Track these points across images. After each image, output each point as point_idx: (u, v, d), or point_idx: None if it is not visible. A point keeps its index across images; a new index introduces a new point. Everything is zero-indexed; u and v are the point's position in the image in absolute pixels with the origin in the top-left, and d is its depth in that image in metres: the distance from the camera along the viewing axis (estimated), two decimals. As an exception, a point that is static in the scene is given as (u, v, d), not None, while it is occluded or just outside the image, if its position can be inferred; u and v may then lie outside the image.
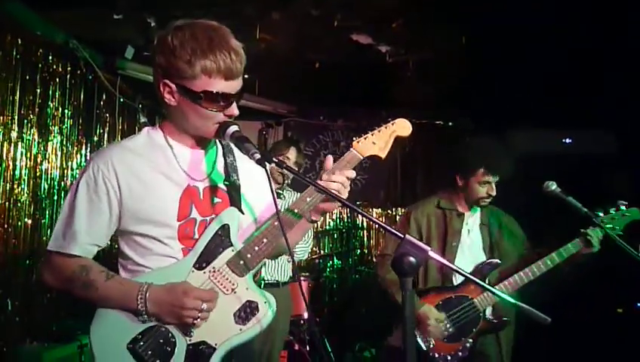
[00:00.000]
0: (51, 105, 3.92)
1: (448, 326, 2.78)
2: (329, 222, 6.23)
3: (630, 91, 4.51)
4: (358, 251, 6.08)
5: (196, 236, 1.70)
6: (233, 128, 1.63)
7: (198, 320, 1.62)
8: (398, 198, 6.23)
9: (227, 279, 1.68)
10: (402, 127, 1.81)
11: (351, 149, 1.77)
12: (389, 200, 6.22)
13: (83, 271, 1.65)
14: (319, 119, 6.26)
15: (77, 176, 1.77)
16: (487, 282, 2.81)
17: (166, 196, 1.67)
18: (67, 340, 3.36)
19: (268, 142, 6.22)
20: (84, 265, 1.66)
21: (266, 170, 1.56)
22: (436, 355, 2.72)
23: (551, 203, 2.82)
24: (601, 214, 2.72)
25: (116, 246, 1.77)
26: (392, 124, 1.81)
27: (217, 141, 1.82)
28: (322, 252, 5.94)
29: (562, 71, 4.48)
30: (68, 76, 4.11)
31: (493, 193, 2.89)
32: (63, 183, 4.03)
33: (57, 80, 3.98)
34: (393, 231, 1.63)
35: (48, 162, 3.89)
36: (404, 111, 6.01)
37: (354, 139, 1.79)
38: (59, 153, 4.00)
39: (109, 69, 4.54)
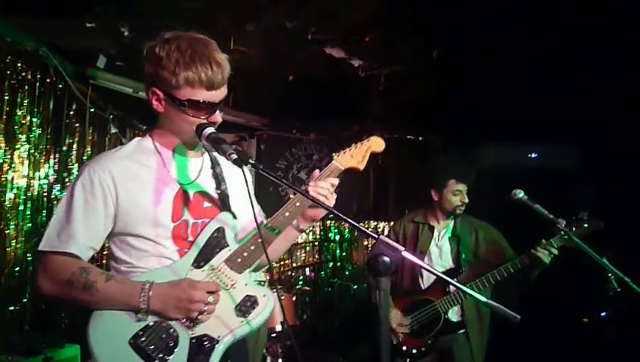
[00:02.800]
0: (19, 113, 3.83)
1: (414, 324, 3.21)
2: (302, 235, 6.22)
3: (594, 106, 4.68)
4: (331, 264, 6.08)
5: (190, 238, 1.77)
6: (209, 130, 1.71)
7: (205, 314, 1.66)
8: (371, 211, 6.28)
9: (226, 276, 1.75)
10: (376, 143, 2.03)
11: (332, 161, 1.97)
12: (361, 213, 6.26)
13: (83, 272, 1.66)
14: (292, 132, 6.29)
15: (60, 184, 1.78)
16: (450, 287, 3.19)
17: (160, 197, 1.74)
18: (31, 354, 3.25)
19: (241, 155, 6.20)
20: (84, 267, 1.68)
21: (243, 171, 1.63)
22: (404, 348, 3.20)
23: (518, 215, 2.96)
24: (563, 224, 2.88)
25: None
26: (368, 140, 2.03)
27: (206, 152, 1.92)
28: (294, 264, 5.92)
29: (529, 86, 4.63)
30: (37, 84, 4.02)
31: (466, 200, 3.29)
32: (29, 193, 3.93)
33: (26, 87, 3.89)
34: (368, 232, 1.72)
35: (14, 171, 3.79)
36: (376, 126, 6.20)
37: (334, 153, 1.99)
38: (26, 162, 3.90)
39: (80, 79, 4.48)
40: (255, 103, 5.62)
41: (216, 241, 1.78)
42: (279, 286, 4.75)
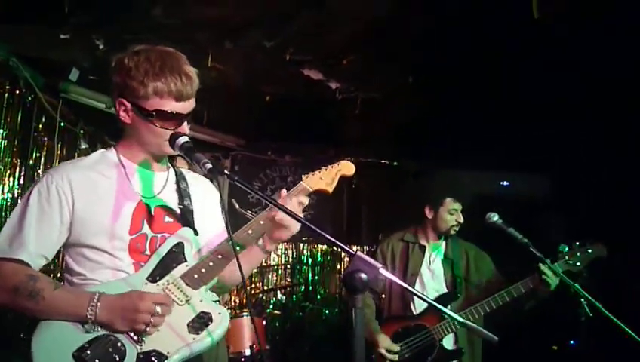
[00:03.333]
0: (-15, 124, 3.71)
1: (405, 352, 2.97)
2: (273, 258, 6.14)
3: (564, 136, 4.79)
4: (303, 287, 5.99)
5: (147, 251, 1.73)
6: (183, 139, 1.69)
7: (151, 326, 1.60)
8: (344, 234, 6.25)
9: (181, 291, 1.71)
10: (347, 167, 2.00)
11: (301, 182, 1.92)
12: (334, 236, 6.20)
13: (30, 279, 1.60)
14: (267, 154, 6.26)
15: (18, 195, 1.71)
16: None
17: (119, 209, 1.70)
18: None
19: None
20: (32, 275, 1.62)
21: (217, 181, 1.59)
22: None
23: (494, 240, 2.94)
24: (565, 249, 2.86)
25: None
26: (338, 164, 1.99)
27: (171, 167, 1.90)
28: (266, 287, 5.81)
29: (501, 114, 4.71)
30: (5, 95, 3.91)
31: (461, 220, 3.14)
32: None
33: (-6, 98, 3.79)
34: (345, 248, 1.68)
35: (-23, 183, 3.65)
36: (351, 149, 6.20)
37: (303, 175, 1.96)
38: (-11, 174, 3.77)
39: (50, 91, 4.38)
40: (231, 123, 5.58)
41: (174, 256, 1.74)
42: (250, 310, 4.66)
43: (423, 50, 3.87)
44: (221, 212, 1.59)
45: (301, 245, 6.15)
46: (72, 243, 1.69)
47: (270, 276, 6.00)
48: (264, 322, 4.60)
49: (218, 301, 3.68)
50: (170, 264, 1.72)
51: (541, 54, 3.80)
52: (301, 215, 1.82)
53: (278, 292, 5.84)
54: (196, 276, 1.72)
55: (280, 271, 6.05)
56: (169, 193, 1.83)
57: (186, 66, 1.72)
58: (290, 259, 6.08)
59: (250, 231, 1.80)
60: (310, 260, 6.21)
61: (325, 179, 1.96)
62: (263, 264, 6.01)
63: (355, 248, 5.98)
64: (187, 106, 1.73)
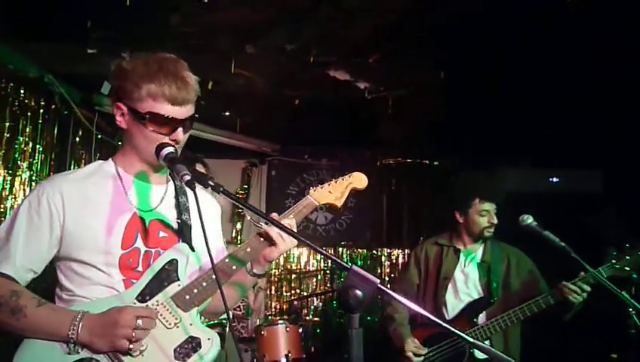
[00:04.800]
0: (21, 140, 3.83)
1: (434, 358, 2.92)
2: (312, 263, 6.05)
3: (617, 131, 4.47)
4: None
5: (139, 267, 1.66)
6: (168, 150, 1.62)
7: (134, 340, 1.52)
8: (384, 238, 6.09)
9: (171, 313, 1.62)
10: (358, 179, 1.92)
11: (307, 196, 1.86)
12: (374, 240, 6.07)
13: (13, 295, 1.55)
14: (304, 158, 6.20)
15: None
16: (479, 318, 2.92)
17: (112, 222, 1.64)
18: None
19: (252, 181, 6.14)
20: (15, 290, 1.57)
21: (194, 192, 1.51)
22: None
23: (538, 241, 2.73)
24: (614, 253, 2.68)
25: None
26: (349, 176, 1.92)
27: (171, 180, 1.83)
28: (305, 293, 5.73)
29: (549, 108, 4.45)
30: (41, 111, 4.04)
31: (494, 221, 2.99)
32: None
33: (29, 114, 3.91)
34: (339, 261, 1.59)
35: (14, 198, 3.77)
36: (388, 151, 6.03)
37: (311, 187, 1.90)
38: (27, 189, 3.88)
39: (86, 105, 4.49)
40: (264, 128, 5.56)
41: (166, 274, 1.65)
42: (285, 317, 4.59)
43: (453, 42, 3.67)
44: (201, 226, 1.48)
45: (340, 249, 6.04)
46: (61, 257, 1.64)
47: (309, 282, 5.92)
48: (300, 330, 4.52)
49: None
50: (162, 283, 1.64)
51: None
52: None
53: (315, 298, 5.75)
54: (187, 297, 1.64)
55: (319, 277, 5.96)
56: (167, 207, 1.76)
57: (184, 71, 1.67)
58: (330, 265, 5.97)
59: (248, 249, 1.72)
60: (350, 265, 6.07)
61: (334, 192, 1.88)
62: (303, 269, 5.95)
63: (396, 251, 5.80)
64: (183, 112, 1.66)
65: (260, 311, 5.03)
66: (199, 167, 3.65)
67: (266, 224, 1.72)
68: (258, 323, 4.55)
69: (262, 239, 1.73)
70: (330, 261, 5.90)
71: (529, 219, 2.63)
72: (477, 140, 5.06)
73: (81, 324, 1.52)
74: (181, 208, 1.77)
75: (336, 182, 1.90)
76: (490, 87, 4.27)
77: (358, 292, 1.40)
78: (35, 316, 1.54)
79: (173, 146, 1.62)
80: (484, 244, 3.10)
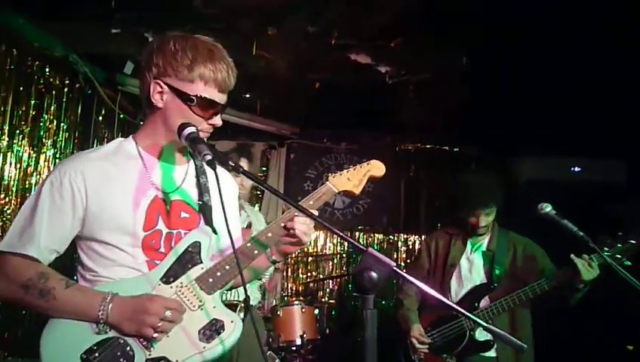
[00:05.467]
0: (46, 118, 3.91)
1: (437, 340, 3.09)
2: (329, 246, 6.09)
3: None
4: (356, 278, 5.89)
5: (162, 249, 1.66)
6: (191, 129, 1.61)
7: (159, 330, 1.54)
8: (401, 223, 6.08)
9: (194, 295, 1.63)
10: (376, 167, 1.92)
11: (326, 183, 1.87)
12: (391, 226, 6.07)
13: (41, 277, 1.56)
14: (322, 141, 6.19)
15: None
16: (481, 303, 3.03)
17: (134, 204, 1.63)
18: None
19: (270, 164, 6.16)
20: (43, 272, 1.58)
21: (215, 173, 1.51)
22: None
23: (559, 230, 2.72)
24: (608, 241, 2.72)
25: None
26: (367, 164, 1.92)
27: (191, 161, 1.82)
28: (321, 276, 5.78)
29: (572, 96, 4.37)
30: (65, 90, 4.10)
31: (483, 223, 3.13)
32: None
33: (53, 93, 3.98)
34: (355, 243, 1.60)
35: (39, 174, 3.85)
36: (408, 136, 5.98)
37: (329, 174, 1.92)
38: (51, 166, 3.97)
39: (109, 85, 4.55)
40: (284, 111, 5.56)
41: (190, 257, 1.66)
42: (300, 299, 4.64)
43: (477, 26, 3.62)
44: (222, 207, 1.48)
45: (357, 234, 6.05)
46: (84, 237, 1.64)
47: (325, 265, 5.96)
48: (316, 311, 4.57)
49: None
50: (186, 265, 1.65)
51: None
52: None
53: (331, 281, 5.79)
54: (211, 280, 1.64)
55: (336, 260, 5.99)
56: (188, 187, 1.75)
57: (229, 59, 1.69)
58: (346, 248, 6.00)
59: (269, 234, 1.72)
60: (366, 247, 6.09)
61: (353, 180, 1.88)
62: (319, 252, 5.99)
63: (413, 237, 5.82)
64: (224, 99, 1.70)
65: (275, 292, 5.09)
66: (243, 162, 3.67)
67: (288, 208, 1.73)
68: (274, 303, 4.61)
69: (282, 224, 1.72)
70: (346, 244, 5.96)
71: (548, 208, 2.60)
72: (498, 128, 5.00)
73: (110, 305, 1.53)
74: (202, 189, 1.76)
75: (354, 169, 1.90)
76: (514, 74, 4.21)
77: (373, 274, 1.41)
78: (64, 297, 1.55)
79: (195, 127, 1.62)
80: (491, 233, 3.22)
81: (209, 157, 1.49)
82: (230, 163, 1.53)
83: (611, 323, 4.51)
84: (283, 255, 1.82)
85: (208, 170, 1.78)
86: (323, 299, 5.44)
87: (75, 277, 1.68)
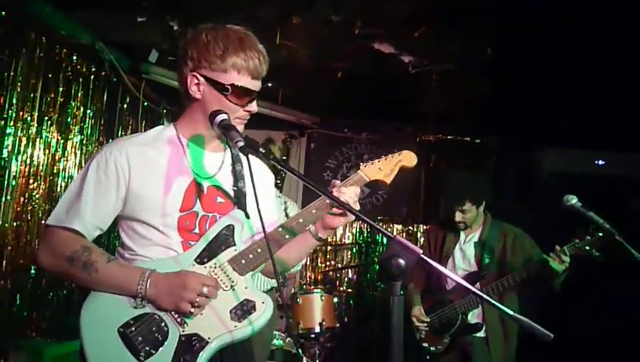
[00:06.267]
0: (73, 105, 3.98)
1: (435, 321, 3.35)
2: (348, 236, 6.11)
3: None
4: (377, 267, 5.92)
5: (197, 230, 1.73)
6: (222, 116, 1.67)
7: (196, 305, 1.61)
8: (420, 215, 6.07)
9: (227, 276, 1.70)
10: (408, 158, 1.94)
11: (358, 171, 1.90)
12: (410, 217, 6.06)
13: (85, 251, 1.65)
14: (343, 131, 6.18)
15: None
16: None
17: (172, 186, 1.71)
18: (71, 337, 3.34)
19: (290, 152, 6.19)
20: (86, 246, 1.67)
21: (248, 159, 1.56)
22: (425, 344, 3.38)
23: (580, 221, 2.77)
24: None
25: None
26: (399, 153, 1.94)
27: (228, 148, 1.88)
28: (339, 265, 5.81)
29: (596, 89, 4.31)
30: (92, 77, 4.16)
31: (458, 219, 3.35)
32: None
33: (80, 80, 4.04)
34: (384, 231, 1.61)
35: (66, 160, 3.93)
36: (429, 126, 5.95)
37: (361, 163, 1.93)
38: (78, 152, 4.04)
39: (133, 73, 4.60)
40: (305, 100, 5.57)
41: (224, 239, 1.73)
42: (320, 287, 4.68)
43: (502, 18, 3.58)
44: (254, 192, 1.53)
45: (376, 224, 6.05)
46: (125, 216, 1.73)
47: (344, 254, 5.99)
48: (335, 300, 4.60)
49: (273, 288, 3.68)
50: (220, 247, 1.72)
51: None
52: (356, 206, 1.79)
53: (350, 271, 5.82)
54: (243, 261, 1.70)
55: (355, 250, 6.01)
56: (224, 174, 1.82)
57: (260, 45, 1.74)
58: (365, 238, 6.01)
59: (301, 220, 1.77)
60: (385, 239, 6.11)
61: (384, 169, 1.90)
62: (338, 242, 6.02)
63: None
64: (259, 85, 1.75)
65: (295, 280, 5.13)
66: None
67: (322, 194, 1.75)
68: (293, 291, 4.66)
69: (314, 211, 1.77)
70: (365, 234, 5.98)
71: (573, 200, 2.62)
72: (521, 119, 4.95)
73: (149, 281, 1.60)
74: (237, 176, 1.82)
75: (386, 158, 1.92)
76: (538, 65, 4.16)
77: (401, 261, 1.42)
78: (105, 271, 1.63)
79: (226, 113, 1.67)
80: (483, 225, 3.42)
81: (241, 143, 1.55)
82: (261, 150, 1.57)
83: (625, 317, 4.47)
84: (330, 229, 1.86)
85: (244, 157, 1.85)
86: (341, 288, 5.48)
87: (116, 256, 1.75)
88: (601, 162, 5.38)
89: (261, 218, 1.52)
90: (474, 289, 1.60)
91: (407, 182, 5.97)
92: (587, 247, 2.83)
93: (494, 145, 5.83)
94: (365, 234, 6.05)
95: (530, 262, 3.12)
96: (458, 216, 3.34)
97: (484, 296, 1.49)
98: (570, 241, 2.89)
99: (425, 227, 6.04)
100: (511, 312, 1.52)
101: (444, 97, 4.93)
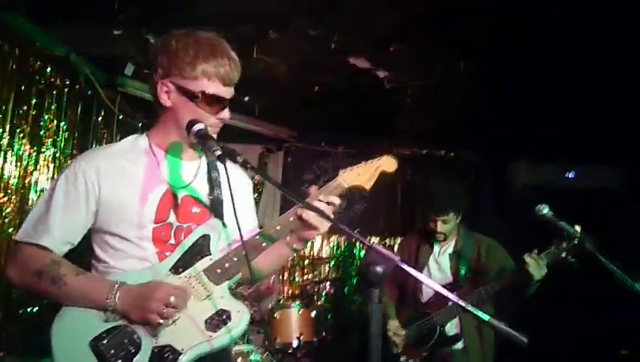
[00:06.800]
0: (46, 117, 3.92)
1: (410, 335, 3.27)
2: (325, 250, 6.11)
3: (635, 126, 4.43)
4: (355, 280, 5.92)
5: (172, 240, 1.70)
6: (199, 126, 1.65)
7: (164, 316, 1.58)
8: (398, 227, 6.11)
9: (202, 286, 1.67)
10: (388, 163, 1.91)
11: (337, 178, 1.87)
12: (387, 229, 6.10)
13: (54, 265, 1.63)
14: (320, 145, 6.21)
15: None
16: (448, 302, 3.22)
17: (145, 197, 1.68)
18: (43, 354, 3.24)
19: (268, 166, 6.18)
20: (55, 260, 1.64)
21: (225, 167, 1.56)
22: (403, 358, 3.28)
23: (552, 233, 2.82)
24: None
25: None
26: (379, 159, 1.91)
27: (203, 157, 1.85)
28: (316, 279, 5.79)
29: (568, 103, 4.43)
30: (66, 90, 4.12)
31: (439, 229, 3.32)
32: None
33: (54, 92, 3.99)
34: (362, 239, 1.62)
35: (39, 173, 3.86)
36: (405, 140, 6.02)
37: (340, 169, 1.90)
38: (51, 165, 3.98)
39: (109, 86, 4.57)
40: (282, 114, 5.59)
41: (199, 249, 1.71)
42: (297, 301, 4.66)
43: (474, 35, 3.67)
44: (231, 199, 1.52)
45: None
46: (97, 229, 1.70)
47: (322, 268, 5.98)
48: (313, 314, 4.58)
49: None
50: (195, 256, 1.70)
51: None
52: (331, 214, 1.75)
53: (328, 284, 5.80)
54: (219, 271, 1.69)
55: (332, 264, 6.01)
56: (199, 183, 1.80)
57: (232, 52, 1.72)
58: (342, 252, 6.02)
59: (278, 227, 1.74)
60: (362, 253, 6.12)
61: (364, 175, 1.87)
62: (315, 256, 6.01)
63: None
64: (230, 92, 1.72)
65: (278, 290, 5.08)
66: None
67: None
68: (270, 306, 4.63)
69: (291, 218, 1.74)
70: (342, 248, 5.99)
71: (545, 209, 2.67)
72: (494, 133, 5.05)
73: (118, 294, 1.58)
74: (213, 184, 1.81)
75: (365, 164, 1.90)
76: (510, 80, 4.26)
77: (379, 269, 1.45)
78: (74, 284, 1.61)
79: (203, 123, 1.65)
80: (457, 236, 3.41)
81: (218, 152, 1.54)
82: (238, 158, 1.57)
83: (605, 326, 4.55)
84: (304, 241, 1.84)
85: (220, 165, 1.83)
86: (319, 303, 5.45)
87: (90, 269, 1.72)
88: (571, 174, 5.51)
89: (238, 224, 1.51)
90: (454, 297, 1.62)
91: (384, 195, 6.03)
92: (563, 254, 2.84)
93: (469, 158, 5.93)
94: (343, 248, 6.05)
95: (506, 272, 3.14)
96: (440, 227, 3.32)
97: (463, 304, 1.55)
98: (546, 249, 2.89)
99: (401, 240, 6.09)
100: (487, 318, 1.55)
101: (419, 111, 5.01)
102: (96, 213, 1.68)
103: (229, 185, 1.54)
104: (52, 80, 3.97)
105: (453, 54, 4.01)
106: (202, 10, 3.44)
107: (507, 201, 3.46)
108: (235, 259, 1.69)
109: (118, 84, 4.59)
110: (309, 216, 1.70)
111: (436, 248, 3.45)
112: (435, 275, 3.38)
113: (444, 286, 3.19)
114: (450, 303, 3.16)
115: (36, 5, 3.46)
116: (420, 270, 3.39)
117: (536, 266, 2.85)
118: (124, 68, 4.45)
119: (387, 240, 6.15)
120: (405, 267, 1.50)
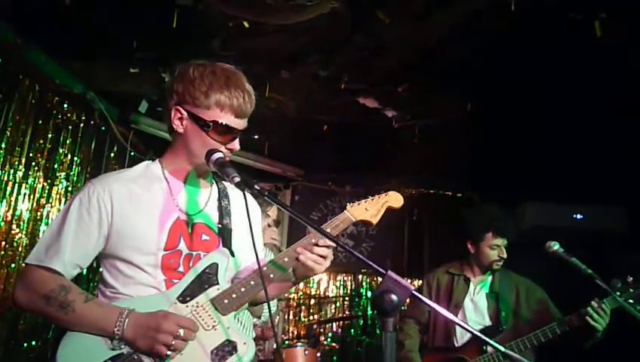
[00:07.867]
0: (61, 151, 4.00)
1: None
2: (332, 289, 6.06)
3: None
4: (361, 321, 5.84)
5: (181, 268, 1.70)
6: (218, 155, 1.68)
7: (172, 348, 1.56)
8: (405, 267, 6.07)
9: (209, 316, 1.66)
10: (394, 199, 1.95)
11: (344, 211, 1.88)
12: (394, 269, 6.03)
13: (62, 290, 1.61)
14: (327, 184, 6.26)
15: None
16: (488, 346, 2.81)
17: (157, 224, 1.68)
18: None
19: (275, 204, 6.20)
20: (64, 285, 1.63)
21: (244, 194, 1.57)
22: None
23: (566, 275, 2.73)
24: (619, 285, 2.66)
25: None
26: (386, 194, 1.95)
27: (214, 184, 1.87)
28: (322, 319, 5.72)
29: (574, 145, 4.47)
30: (81, 125, 4.22)
31: (504, 255, 3.07)
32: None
33: (70, 128, 4.09)
34: (375, 266, 1.60)
35: (51, 206, 3.90)
36: (412, 180, 6.05)
37: (347, 203, 1.91)
38: (63, 198, 4.02)
39: (123, 123, 4.67)
40: (291, 153, 5.66)
41: (207, 278, 1.69)
42: (303, 341, 4.59)
43: (481, 75, 3.77)
44: (250, 228, 1.53)
45: (360, 277, 6.03)
46: (107, 254, 1.69)
47: (328, 307, 5.91)
48: (319, 354, 4.50)
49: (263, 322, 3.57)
50: (202, 285, 1.68)
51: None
52: (328, 262, 1.76)
53: (334, 324, 5.73)
54: (226, 301, 1.67)
55: (338, 303, 5.94)
56: (210, 210, 1.80)
57: (247, 84, 1.74)
58: (349, 291, 5.96)
59: (286, 259, 1.75)
60: (369, 292, 6.06)
61: (371, 210, 1.90)
62: (321, 295, 5.95)
63: (416, 282, 5.80)
64: (242, 124, 1.74)
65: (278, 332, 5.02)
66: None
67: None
68: (275, 346, 4.55)
69: (298, 250, 1.74)
70: (349, 287, 5.93)
71: (556, 246, 2.65)
72: (501, 174, 5.08)
73: (127, 321, 1.56)
74: (223, 212, 1.81)
75: (372, 199, 1.92)
76: (516, 121, 4.33)
77: (393, 297, 1.43)
78: (83, 311, 1.59)
79: (222, 153, 1.68)
80: (493, 274, 3.16)
81: (237, 179, 1.55)
82: (256, 186, 1.59)
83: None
84: (301, 278, 1.85)
85: (230, 193, 1.87)
86: (325, 342, 5.36)
87: (96, 293, 1.72)
88: (579, 216, 5.49)
89: (256, 251, 1.52)
90: (495, 344, 1.42)
91: (391, 235, 6.02)
92: (631, 300, 2.60)
93: (476, 199, 5.94)
94: (349, 287, 6.01)
95: (549, 315, 2.89)
96: (504, 252, 3.04)
97: (504, 351, 1.36)
98: (607, 295, 2.61)
99: (409, 280, 6.02)
100: (503, 349, 1.51)
101: (426, 152, 5.07)
102: (107, 237, 1.67)
103: (247, 211, 1.55)
104: (69, 115, 4.08)
105: (461, 94, 4.08)
106: (217, 50, 3.55)
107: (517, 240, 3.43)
108: (243, 289, 1.69)
109: (131, 121, 4.69)
110: (305, 259, 1.72)
111: (471, 287, 3.15)
112: (470, 317, 3.07)
113: (482, 330, 2.94)
114: (490, 349, 2.86)
115: (56, 42, 3.59)
116: (455, 310, 3.07)
117: (598, 316, 2.61)
118: (139, 105, 4.57)
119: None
120: (421, 296, 1.49)
